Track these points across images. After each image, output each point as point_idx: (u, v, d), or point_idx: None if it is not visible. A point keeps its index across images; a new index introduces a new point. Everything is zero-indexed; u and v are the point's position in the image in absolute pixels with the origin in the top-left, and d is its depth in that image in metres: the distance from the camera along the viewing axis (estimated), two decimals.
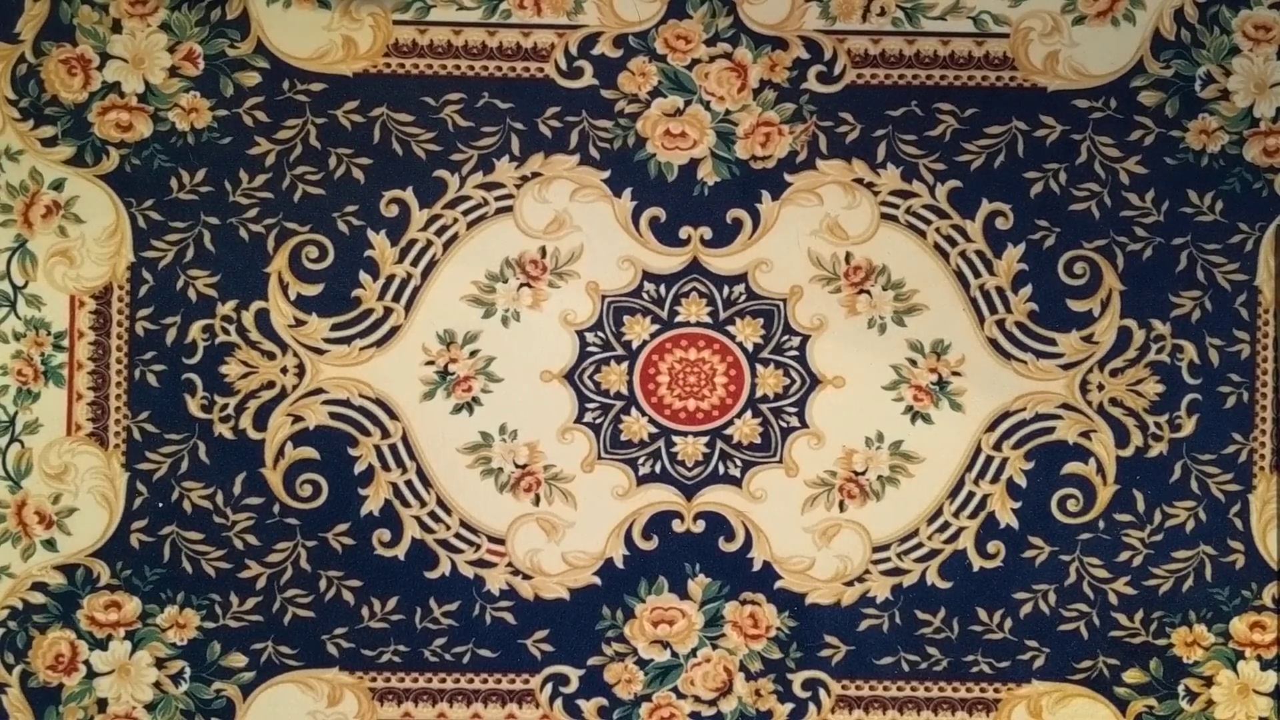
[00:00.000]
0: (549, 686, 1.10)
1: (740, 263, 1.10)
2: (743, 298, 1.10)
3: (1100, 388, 1.10)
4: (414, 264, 1.09)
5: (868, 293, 1.10)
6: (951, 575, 1.10)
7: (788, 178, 1.10)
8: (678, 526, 1.10)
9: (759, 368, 1.10)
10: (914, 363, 1.10)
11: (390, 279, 1.09)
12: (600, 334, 1.10)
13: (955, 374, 1.10)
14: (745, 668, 1.10)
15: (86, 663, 1.09)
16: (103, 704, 1.09)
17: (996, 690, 1.10)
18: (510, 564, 1.10)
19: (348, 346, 1.10)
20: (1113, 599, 1.09)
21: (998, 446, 1.10)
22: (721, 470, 1.10)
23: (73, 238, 1.09)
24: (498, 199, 1.10)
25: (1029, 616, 1.09)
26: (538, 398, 1.10)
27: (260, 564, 1.09)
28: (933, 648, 1.10)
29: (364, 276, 1.09)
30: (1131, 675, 1.10)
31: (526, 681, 1.10)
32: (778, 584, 1.10)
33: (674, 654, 1.10)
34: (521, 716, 1.10)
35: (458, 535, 1.10)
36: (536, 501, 1.10)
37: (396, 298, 1.09)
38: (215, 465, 1.09)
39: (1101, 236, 1.09)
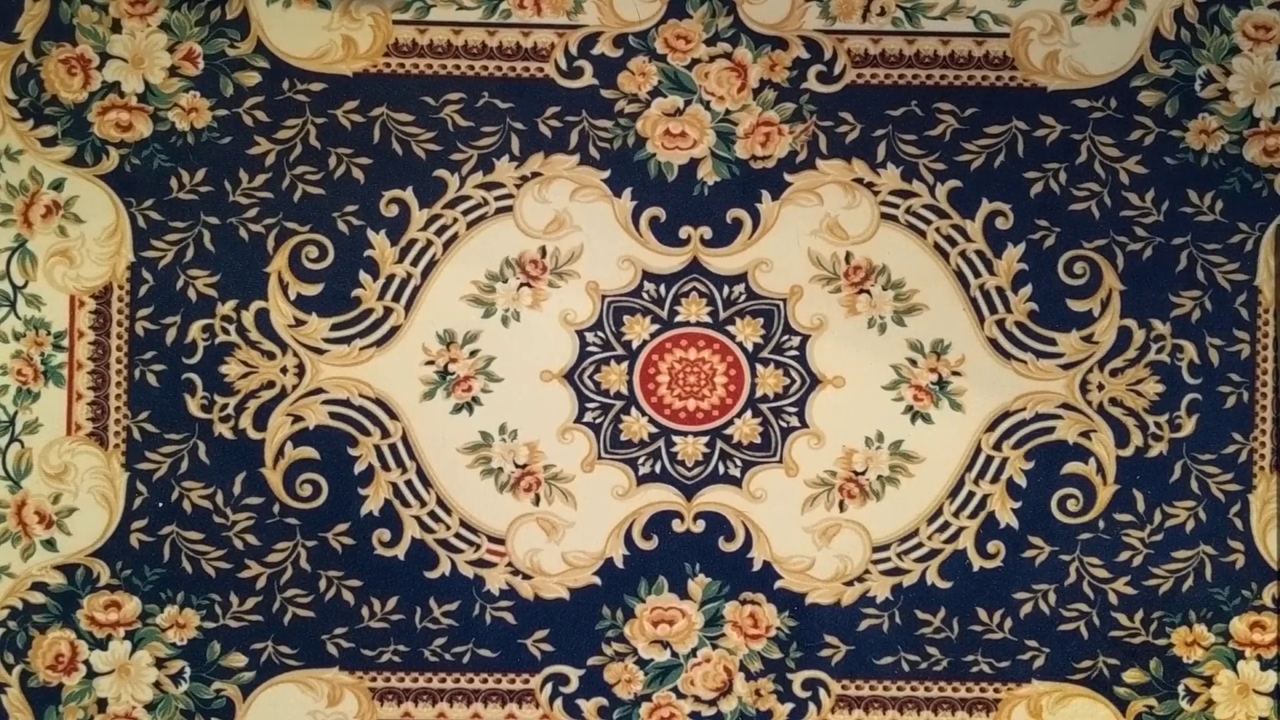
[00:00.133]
0: (549, 686, 1.10)
1: (740, 262, 1.10)
2: (743, 298, 1.10)
3: (1100, 388, 1.10)
4: (414, 264, 1.09)
5: (868, 293, 1.10)
6: (951, 575, 1.10)
7: (788, 177, 1.10)
8: (678, 526, 1.10)
9: (759, 367, 1.10)
10: (914, 363, 1.10)
11: (390, 279, 1.09)
12: (600, 334, 1.10)
13: (955, 374, 1.10)
14: (745, 668, 1.10)
15: (86, 663, 1.09)
16: (103, 704, 1.09)
17: (996, 690, 1.10)
18: (510, 564, 1.10)
19: (348, 346, 1.10)
20: (1113, 599, 1.09)
21: (998, 446, 1.10)
22: (721, 470, 1.10)
23: (73, 238, 1.09)
24: (498, 199, 1.10)
25: (1029, 616, 1.09)
26: (538, 398, 1.10)
27: (260, 564, 1.09)
28: (933, 648, 1.10)
29: (364, 276, 1.09)
30: (1131, 675, 1.10)
31: (526, 681, 1.10)
32: (778, 584, 1.10)
33: (674, 654, 1.10)
34: (521, 716, 1.10)
35: (458, 535, 1.10)
36: (536, 501, 1.10)
37: (396, 297, 1.09)
38: (215, 465, 1.09)
39: (1101, 236, 1.09)
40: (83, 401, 1.09)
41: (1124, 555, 1.09)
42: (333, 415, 1.09)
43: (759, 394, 1.10)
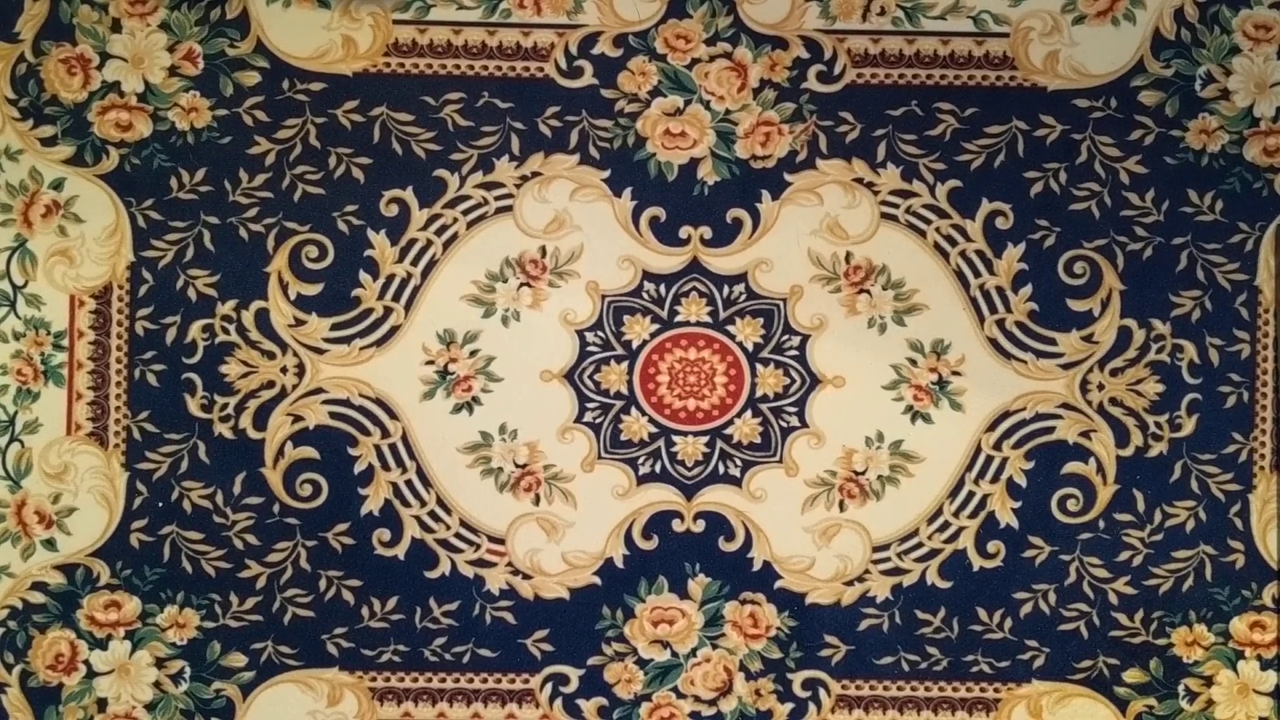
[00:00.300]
0: (549, 686, 1.10)
1: (740, 262, 1.10)
2: (743, 297, 1.10)
3: (1100, 387, 1.09)
4: (414, 264, 1.09)
5: (868, 292, 1.10)
6: (951, 575, 1.10)
7: (788, 177, 1.10)
8: (678, 526, 1.10)
9: (759, 367, 1.10)
10: (914, 362, 1.10)
11: (390, 279, 1.09)
12: (600, 334, 1.10)
13: (955, 374, 1.10)
14: (745, 667, 1.10)
15: (86, 662, 1.09)
16: (103, 704, 1.09)
17: (996, 690, 1.10)
18: (510, 564, 1.10)
19: (348, 346, 1.10)
20: (1113, 599, 1.09)
21: (998, 446, 1.10)
22: (721, 470, 1.10)
23: (72, 237, 1.09)
24: (498, 199, 1.10)
25: (1029, 616, 1.09)
26: (538, 397, 1.10)
27: (260, 564, 1.09)
28: (933, 647, 1.10)
29: (364, 276, 1.09)
30: (1131, 675, 1.10)
31: (526, 681, 1.10)
32: (778, 584, 1.10)
33: (674, 654, 1.10)
34: (521, 716, 1.10)
35: (458, 535, 1.10)
36: (536, 501, 1.10)
37: (396, 297, 1.09)
38: (215, 465, 1.09)
39: (1101, 236, 1.09)
40: (83, 401, 1.09)
41: (1124, 555, 1.09)
42: (333, 415, 1.09)
43: (759, 394, 1.10)
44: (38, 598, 1.09)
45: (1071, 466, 1.10)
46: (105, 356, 1.09)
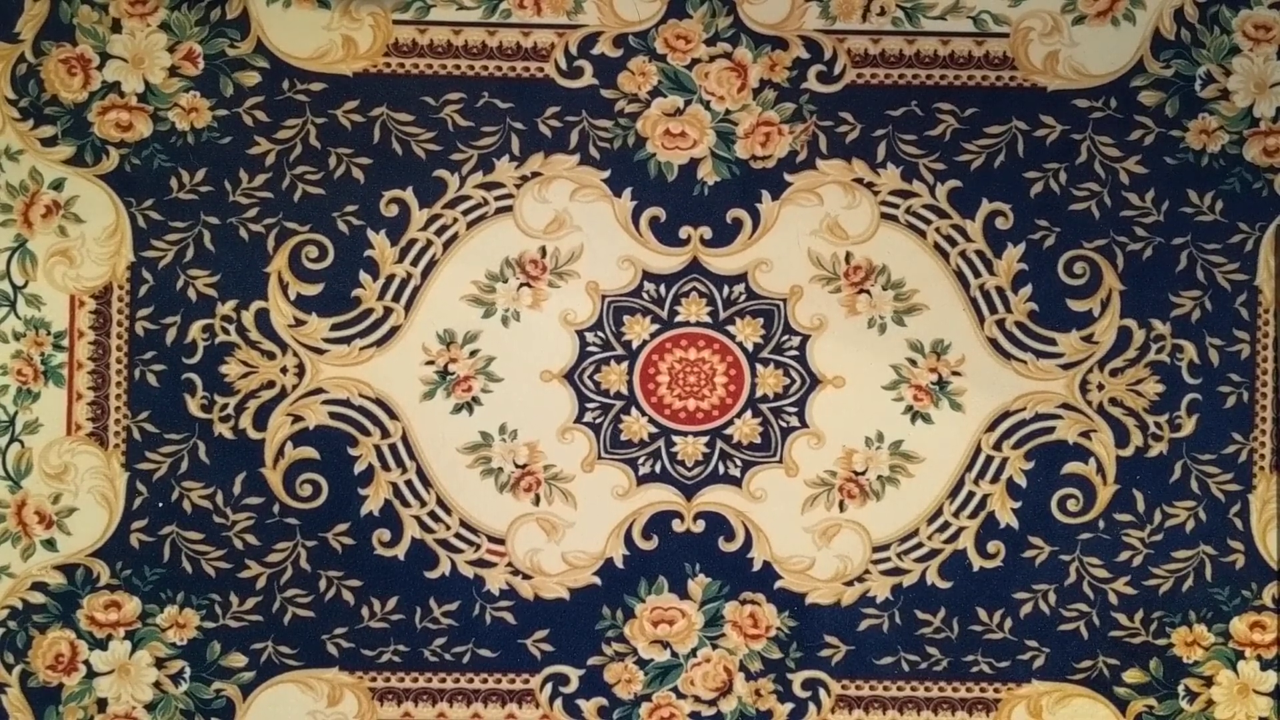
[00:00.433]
0: (549, 686, 1.10)
1: (740, 262, 1.10)
2: (743, 298, 1.10)
3: (1100, 387, 1.10)
4: (414, 264, 1.09)
5: (868, 293, 1.10)
6: (951, 575, 1.10)
7: (788, 177, 1.10)
8: (678, 526, 1.10)
9: (759, 367, 1.10)
10: (914, 363, 1.10)
11: (390, 279, 1.09)
12: (600, 334, 1.10)
13: (955, 374, 1.10)
14: (745, 668, 1.10)
15: (86, 663, 1.09)
16: (103, 704, 1.09)
17: (996, 690, 1.10)
18: (510, 564, 1.10)
19: (348, 346, 1.10)
20: (1113, 599, 1.09)
21: (998, 446, 1.10)
22: (721, 470, 1.10)
23: (73, 237, 1.09)
24: (498, 199, 1.10)
25: (1029, 616, 1.09)
26: (538, 398, 1.10)
27: (260, 564, 1.09)
28: (933, 648, 1.10)
29: (364, 276, 1.09)
30: (1131, 675, 1.10)
31: (526, 681, 1.10)
32: (778, 584, 1.10)
33: (674, 654, 1.10)
34: (521, 716, 1.10)
35: (458, 535, 1.10)
36: (536, 501, 1.10)
37: (396, 297, 1.09)
38: (215, 465, 1.09)
39: (1101, 236, 1.09)
40: (83, 401, 1.09)
41: (1124, 555, 1.09)
42: (333, 415, 1.09)
43: (759, 394, 1.10)
44: (38, 598, 1.09)
45: (1071, 466, 1.10)
46: (105, 357, 1.09)
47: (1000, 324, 1.10)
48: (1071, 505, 1.09)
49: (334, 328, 1.09)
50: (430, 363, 1.10)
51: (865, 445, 1.10)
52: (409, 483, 1.09)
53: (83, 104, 1.08)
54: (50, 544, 1.09)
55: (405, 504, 1.09)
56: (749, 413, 1.10)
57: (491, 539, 1.10)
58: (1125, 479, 1.09)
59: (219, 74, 1.09)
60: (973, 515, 1.10)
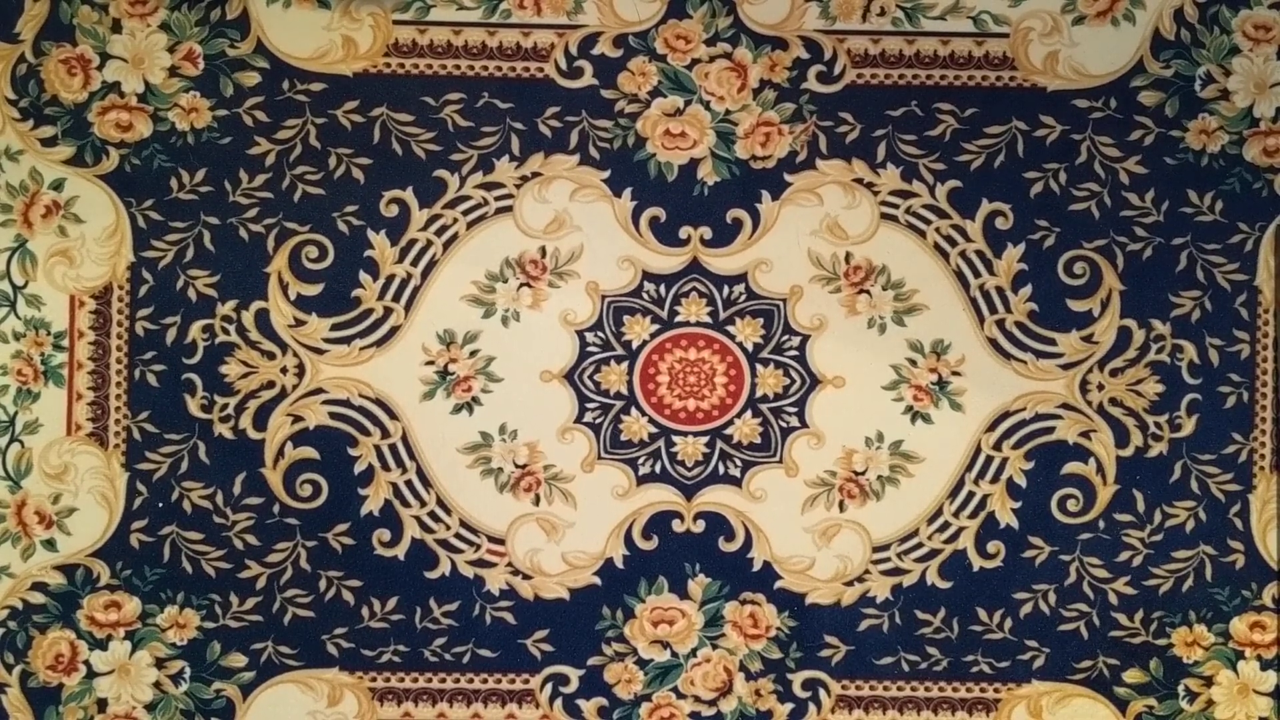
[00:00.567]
0: (549, 686, 1.10)
1: (740, 263, 1.10)
2: (743, 298, 1.10)
3: (1100, 388, 1.10)
4: (414, 264, 1.09)
5: (868, 293, 1.10)
6: (951, 575, 1.10)
7: (788, 178, 1.10)
8: (678, 526, 1.10)
9: (759, 367, 1.10)
10: (914, 363, 1.10)
11: (390, 279, 1.09)
12: (600, 334, 1.10)
13: (955, 374, 1.10)
14: (745, 668, 1.10)
15: (86, 663, 1.09)
16: (103, 704, 1.09)
17: (996, 690, 1.10)
18: (510, 564, 1.10)
19: (348, 346, 1.10)
20: (1113, 599, 1.09)
21: (998, 446, 1.10)
22: (721, 470, 1.10)
23: (73, 238, 1.09)
24: (498, 199, 1.10)
25: (1029, 616, 1.09)
26: (538, 398, 1.10)
27: (260, 564, 1.09)
28: (933, 648, 1.10)
29: (364, 276, 1.09)
30: (1131, 675, 1.10)
31: (526, 681, 1.10)
32: (778, 584, 1.10)
33: (674, 654, 1.10)
34: (521, 716, 1.10)
35: (458, 535, 1.10)
36: (536, 501, 1.10)
37: (396, 298, 1.09)
38: (215, 465, 1.09)
39: (1101, 236, 1.09)
40: (83, 401, 1.09)
41: (1124, 555, 1.09)
42: (333, 415, 1.09)
43: (759, 394, 1.10)
44: (38, 598, 1.09)
45: (1071, 467, 1.10)
46: (105, 357, 1.09)
47: (1000, 324, 1.10)
48: (1071, 505, 1.09)
49: (334, 328, 1.09)
50: (430, 363, 1.10)
51: (865, 445, 1.10)
52: (409, 483, 1.09)
53: (83, 104, 1.09)
54: (50, 544, 1.09)
55: (405, 504, 1.09)
56: (749, 413, 1.10)
57: (491, 539, 1.10)
58: (1125, 479, 1.09)
59: (219, 74, 1.09)
60: (973, 515, 1.10)
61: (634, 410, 1.10)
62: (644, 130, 1.10)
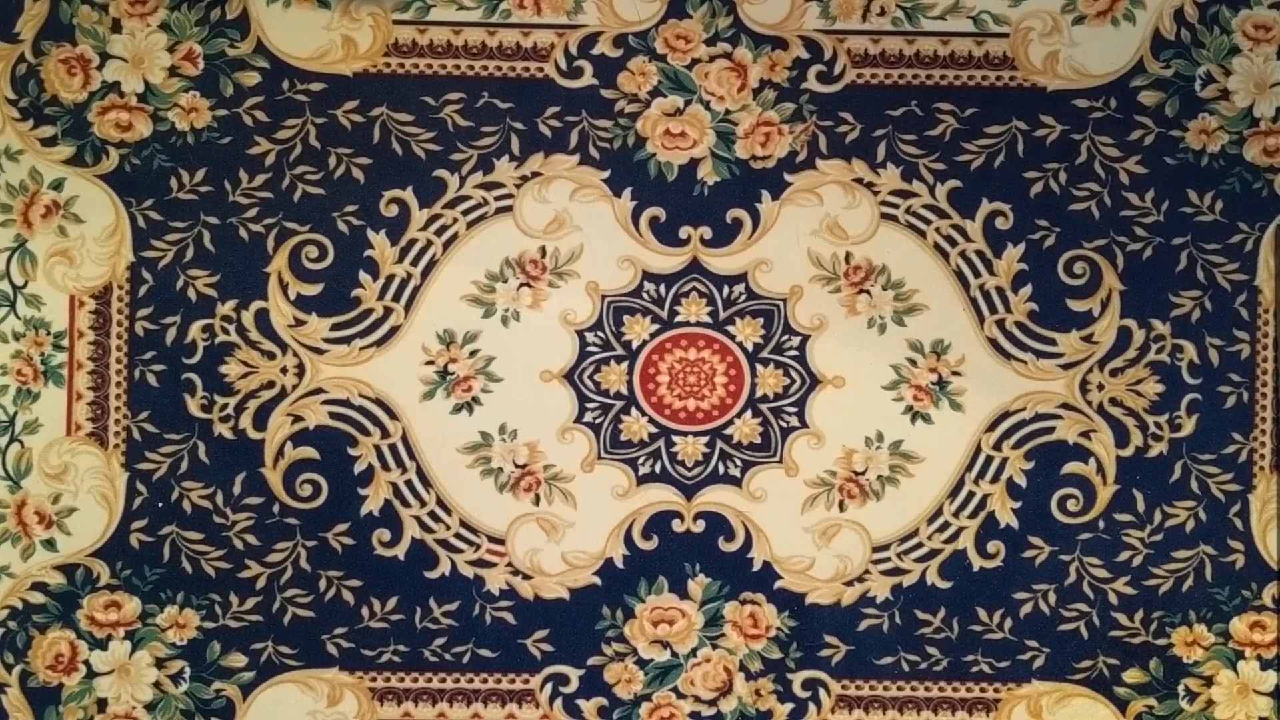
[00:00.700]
0: (549, 686, 1.10)
1: (740, 262, 1.10)
2: (743, 298, 1.10)
3: (1100, 388, 1.10)
4: (414, 264, 1.09)
5: (868, 293, 1.10)
6: (951, 575, 1.10)
7: (788, 177, 1.10)
8: (678, 526, 1.10)
9: (759, 367, 1.10)
10: (914, 363, 1.10)
11: (390, 279, 1.09)
12: (600, 334, 1.10)
13: (955, 374, 1.10)
14: (745, 668, 1.10)
15: (86, 663, 1.09)
16: (103, 704, 1.09)
17: (996, 690, 1.10)
18: (510, 564, 1.10)
19: (348, 346, 1.10)
20: (1113, 599, 1.09)
21: (998, 446, 1.10)
22: (721, 470, 1.10)
23: (72, 237, 1.09)
24: (498, 199, 1.10)
25: (1029, 616, 1.09)
26: (538, 398, 1.10)
27: (260, 564, 1.09)
28: (933, 648, 1.10)
29: (364, 276, 1.09)
30: (1131, 675, 1.10)
31: (526, 681, 1.10)
32: (778, 584, 1.10)
33: (674, 654, 1.10)
34: (521, 716, 1.10)
35: (458, 535, 1.10)
36: (536, 501, 1.10)
37: (396, 297, 1.09)
38: (215, 465, 1.09)
39: (1101, 236, 1.09)
40: (83, 401, 1.09)
41: (1124, 555, 1.09)
42: (333, 415, 1.09)
43: (759, 394, 1.10)
44: (38, 598, 1.09)
45: (1071, 466, 1.10)
46: (105, 357, 1.09)
47: (1000, 324, 1.10)
48: (1071, 505, 1.09)
49: (334, 328, 1.09)
50: (430, 363, 1.10)
51: (865, 445, 1.10)
52: (409, 483, 1.09)
53: (83, 104, 1.08)
54: (50, 544, 1.09)
55: (405, 504, 1.09)
56: (749, 413, 1.10)
57: (491, 539, 1.10)
58: (1125, 479, 1.09)
59: (219, 74, 1.09)
60: (973, 515, 1.10)
61: (634, 410, 1.10)
62: (644, 130, 1.10)
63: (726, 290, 1.10)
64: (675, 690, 1.10)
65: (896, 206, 1.10)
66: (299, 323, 1.09)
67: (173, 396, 1.09)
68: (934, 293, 1.10)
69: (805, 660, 1.10)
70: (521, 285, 1.10)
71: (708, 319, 1.10)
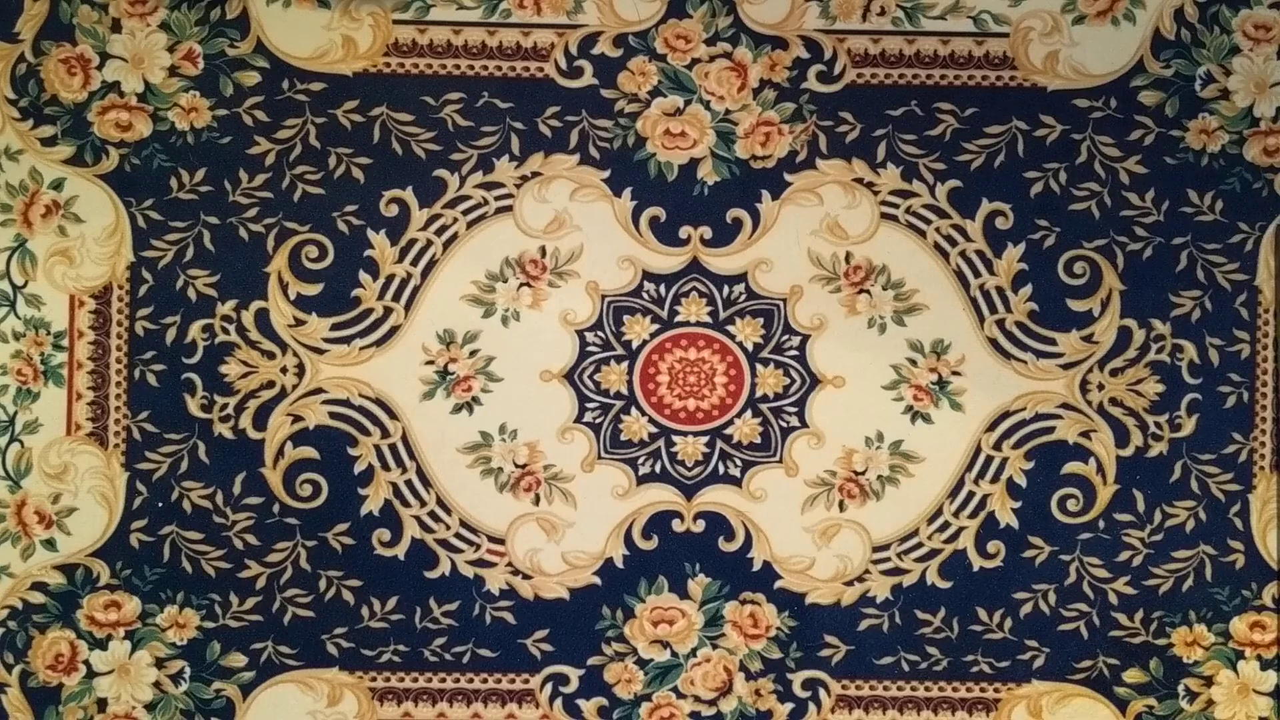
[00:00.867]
0: (549, 686, 1.10)
1: (740, 262, 1.10)
2: (743, 297, 1.10)
3: (1100, 387, 1.10)
4: (414, 264, 1.09)
5: (868, 292, 1.10)
6: (951, 575, 1.10)
7: (788, 177, 1.10)
8: (678, 526, 1.10)
9: (759, 367, 1.10)
10: (914, 362, 1.10)
11: (390, 279, 1.09)
12: (600, 334, 1.10)
13: (955, 374, 1.10)
14: (745, 667, 1.10)
15: (86, 662, 1.09)
16: (102, 704, 1.09)
17: (996, 690, 1.10)
18: (510, 564, 1.10)
19: (348, 346, 1.10)
20: (1113, 599, 1.09)
21: (998, 446, 1.10)
22: (721, 470, 1.10)
23: (72, 237, 1.09)
24: (498, 199, 1.10)
25: (1029, 616, 1.09)
26: (538, 397, 1.10)
27: (260, 564, 1.09)
28: (933, 648, 1.10)
29: (364, 276, 1.09)
30: (1131, 675, 1.10)
31: (526, 681, 1.10)
32: (778, 584, 1.10)
33: (674, 654, 1.10)
34: (521, 716, 1.10)
35: (458, 535, 1.10)
36: (536, 501, 1.10)
37: (396, 297, 1.09)
38: (215, 465, 1.09)
39: (1101, 236, 1.09)
40: (83, 401, 1.09)
41: (1124, 555, 1.09)
42: (333, 415, 1.09)
43: (759, 394, 1.10)
44: (38, 598, 1.09)
45: (1071, 466, 1.10)
46: (105, 356, 1.09)
47: (1000, 324, 1.10)
48: (1071, 505, 1.09)
49: (334, 328, 1.09)
50: (430, 363, 1.10)
51: (865, 445, 1.10)
52: (409, 483, 1.09)
53: (82, 104, 1.08)
54: (50, 544, 1.09)
55: (405, 504, 1.09)
56: (749, 413, 1.10)
57: (491, 539, 1.10)
58: (1125, 479, 1.09)
59: (219, 74, 1.09)
60: (973, 515, 1.10)
61: (634, 410, 1.10)
62: (644, 130, 1.10)
63: (726, 290, 1.10)
64: (675, 690, 1.10)
65: (896, 206, 1.10)
66: (299, 322, 1.09)
67: (173, 396, 1.09)
68: (934, 293, 1.10)
69: (805, 660, 1.10)
70: (521, 285, 1.10)
71: (708, 319, 1.10)
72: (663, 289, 1.10)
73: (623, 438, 1.10)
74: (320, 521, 1.09)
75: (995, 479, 1.10)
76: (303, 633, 1.09)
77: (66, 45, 1.08)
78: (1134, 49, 1.10)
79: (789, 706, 1.10)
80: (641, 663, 1.10)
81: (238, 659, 1.09)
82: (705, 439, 1.10)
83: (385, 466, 1.09)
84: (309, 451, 1.09)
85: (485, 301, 1.10)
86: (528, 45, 1.10)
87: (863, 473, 1.10)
